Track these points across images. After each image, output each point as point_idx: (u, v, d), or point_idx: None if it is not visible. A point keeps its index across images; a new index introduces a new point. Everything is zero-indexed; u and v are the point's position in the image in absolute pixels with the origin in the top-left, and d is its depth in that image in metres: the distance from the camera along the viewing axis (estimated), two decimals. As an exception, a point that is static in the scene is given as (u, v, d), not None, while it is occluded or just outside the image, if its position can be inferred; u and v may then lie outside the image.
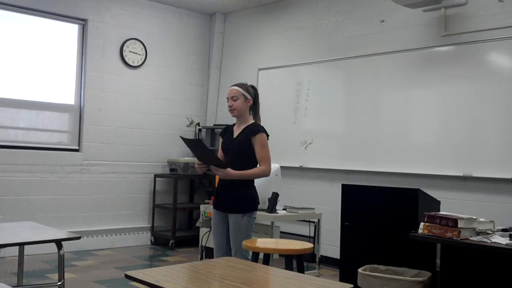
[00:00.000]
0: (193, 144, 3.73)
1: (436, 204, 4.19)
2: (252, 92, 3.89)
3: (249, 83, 3.97)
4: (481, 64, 5.14)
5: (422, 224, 3.30)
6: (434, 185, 5.23)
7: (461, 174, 5.15)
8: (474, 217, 3.26)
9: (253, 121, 3.88)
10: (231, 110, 3.84)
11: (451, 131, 5.26)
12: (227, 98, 3.88)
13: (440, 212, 3.53)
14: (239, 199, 3.74)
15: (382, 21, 5.95)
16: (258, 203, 3.85)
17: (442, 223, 3.20)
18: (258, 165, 3.78)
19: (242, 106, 3.82)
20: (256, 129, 3.78)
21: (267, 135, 3.82)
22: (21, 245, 3.65)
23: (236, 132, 3.87)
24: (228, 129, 3.98)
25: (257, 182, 5.10)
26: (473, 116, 5.12)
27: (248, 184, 3.80)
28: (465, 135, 5.16)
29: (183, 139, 3.62)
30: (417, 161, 5.48)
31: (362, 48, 6.09)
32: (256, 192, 3.84)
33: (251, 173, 3.72)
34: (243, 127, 3.85)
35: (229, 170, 3.63)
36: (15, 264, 3.95)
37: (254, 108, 3.92)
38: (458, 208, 4.55)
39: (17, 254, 3.86)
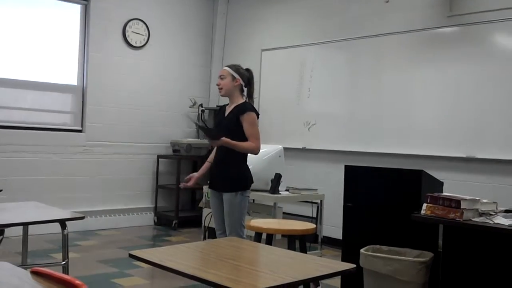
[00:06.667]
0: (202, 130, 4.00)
1: (439, 185, 4.18)
2: (245, 74, 3.97)
3: (245, 67, 4.04)
4: (486, 45, 5.10)
5: (425, 205, 3.30)
6: (437, 166, 5.22)
7: (464, 155, 5.15)
8: (477, 198, 3.25)
9: (244, 100, 3.96)
10: (219, 88, 3.96)
11: (455, 112, 5.24)
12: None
13: (443, 193, 3.53)
14: (232, 178, 3.84)
15: (387, 1, 5.89)
16: (252, 182, 3.93)
17: (445, 204, 3.20)
18: None
19: (229, 85, 3.91)
20: (245, 108, 3.86)
21: (257, 114, 3.90)
22: (25, 225, 3.67)
23: (227, 111, 3.96)
24: (222, 109, 4.09)
25: (260, 163, 5.12)
26: (477, 97, 5.10)
27: (240, 163, 3.88)
28: (468, 116, 5.14)
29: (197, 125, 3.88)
30: (420, 142, 5.47)
31: (366, 29, 6.04)
32: (249, 171, 3.93)
33: (241, 145, 3.78)
34: (233, 106, 3.93)
35: (223, 138, 3.71)
36: (20, 243, 3.97)
37: (249, 90, 3.99)
38: (461, 189, 4.54)
39: (21, 234, 3.89)
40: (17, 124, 6.24)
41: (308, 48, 6.66)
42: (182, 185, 4.14)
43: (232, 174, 3.85)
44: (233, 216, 3.79)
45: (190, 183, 4.03)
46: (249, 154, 3.91)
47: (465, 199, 3.17)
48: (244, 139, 3.81)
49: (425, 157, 5.39)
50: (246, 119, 3.81)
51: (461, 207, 3.12)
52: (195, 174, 4.04)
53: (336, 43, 6.35)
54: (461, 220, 3.11)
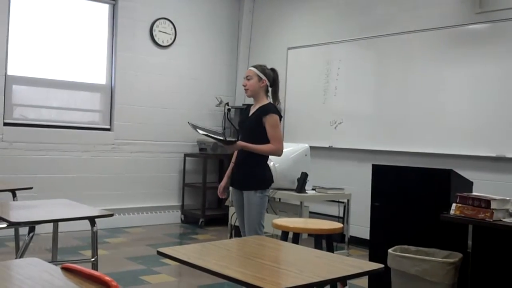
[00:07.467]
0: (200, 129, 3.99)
1: (468, 185, 4.12)
2: (271, 74, 3.98)
3: (270, 66, 4.05)
4: (517, 42, 5.00)
5: (454, 205, 3.27)
6: (467, 166, 5.15)
7: (494, 155, 5.06)
8: (508, 198, 3.20)
9: (268, 102, 3.97)
10: (245, 89, 4.00)
11: (484, 111, 5.16)
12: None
13: (473, 193, 3.48)
14: (251, 177, 3.87)
15: (415, -2, 5.83)
16: (272, 182, 3.95)
17: (475, 204, 3.15)
18: None
19: (255, 86, 3.93)
20: (268, 109, 3.88)
21: (280, 117, 3.91)
22: (56, 222, 3.72)
23: (252, 111, 4.00)
24: (248, 108, 4.13)
25: (286, 162, 5.12)
26: (506, 96, 5.01)
27: (260, 162, 3.91)
28: (498, 115, 5.06)
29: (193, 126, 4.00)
30: (449, 141, 5.39)
31: (394, 26, 5.98)
32: (269, 171, 3.96)
33: (259, 148, 3.82)
34: (257, 106, 3.96)
35: (239, 142, 3.81)
36: (50, 240, 4.04)
37: (274, 90, 4.01)
38: (491, 189, 4.46)
39: (51, 231, 3.95)
40: (47, 123, 6.35)
41: (334, 46, 6.62)
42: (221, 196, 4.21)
43: (251, 173, 3.88)
44: (252, 215, 3.82)
45: (224, 195, 4.13)
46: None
47: (495, 199, 3.12)
48: (267, 140, 3.82)
49: (454, 157, 5.31)
50: (268, 121, 3.82)
51: (491, 207, 3.07)
52: (222, 184, 4.11)
53: (363, 40, 6.30)
54: (491, 220, 3.06)
